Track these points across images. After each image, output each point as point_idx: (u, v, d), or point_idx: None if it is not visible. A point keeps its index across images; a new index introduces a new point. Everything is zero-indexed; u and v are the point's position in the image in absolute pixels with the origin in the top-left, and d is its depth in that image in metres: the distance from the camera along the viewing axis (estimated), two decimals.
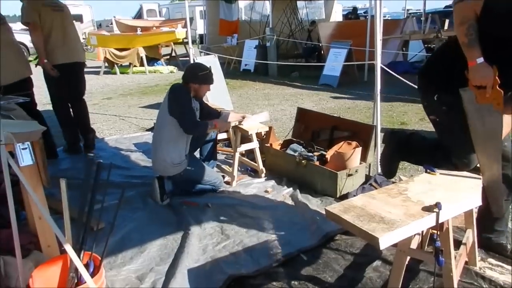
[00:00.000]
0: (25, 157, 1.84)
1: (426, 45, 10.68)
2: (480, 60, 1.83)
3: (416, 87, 2.38)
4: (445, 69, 2.07)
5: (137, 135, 5.14)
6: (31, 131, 1.94)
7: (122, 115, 6.53)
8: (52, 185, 2.11)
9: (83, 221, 1.85)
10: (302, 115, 4.09)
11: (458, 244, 2.09)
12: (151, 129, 5.21)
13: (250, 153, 3.85)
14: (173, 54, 13.80)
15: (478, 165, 2.12)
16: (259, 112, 6.29)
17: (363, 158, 3.37)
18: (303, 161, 3.38)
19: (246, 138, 3.56)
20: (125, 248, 2.50)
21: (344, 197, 3.09)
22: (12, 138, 1.76)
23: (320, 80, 8.80)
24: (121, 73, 11.77)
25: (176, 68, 12.30)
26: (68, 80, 4.12)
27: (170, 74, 11.68)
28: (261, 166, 3.63)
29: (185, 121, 3.01)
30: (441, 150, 2.30)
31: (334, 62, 8.57)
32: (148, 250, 2.49)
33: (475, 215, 2.14)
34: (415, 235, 1.95)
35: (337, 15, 16.04)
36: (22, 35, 11.55)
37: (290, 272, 2.26)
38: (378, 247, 1.47)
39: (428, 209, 1.65)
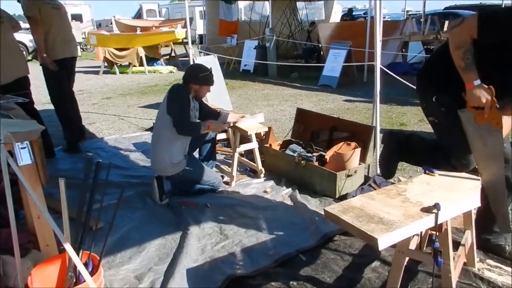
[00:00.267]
0: (24, 157, 1.84)
1: (425, 47, 10.70)
2: (477, 82, 1.87)
3: (415, 88, 2.38)
4: (444, 71, 2.07)
5: (136, 135, 5.13)
6: (30, 130, 1.94)
7: (122, 114, 6.53)
8: (51, 184, 2.11)
9: (82, 220, 1.85)
10: (302, 115, 4.09)
11: (456, 245, 2.09)
12: (150, 129, 5.21)
13: (249, 154, 3.84)
14: (173, 54, 13.80)
15: (476, 167, 2.13)
16: (258, 112, 6.30)
17: (362, 159, 3.38)
18: (302, 162, 3.38)
19: (245, 139, 3.56)
20: (123, 247, 2.50)
21: (343, 197, 3.09)
22: (11, 138, 1.75)
23: (319, 81, 8.81)
24: (120, 73, 11.76)
25: (175, 68, 12.30)
26: (68, 74, 4.32)
27: (169, 74, 11.67)
28: (260, 167, 3.63)
29: (179, 121, 3.01)
30: (440, 151, 2.30)
31: (334, 63, 8.58)
32: (147, 249, 2.49)
33: (474, 216, 2.14)
34: (414, 236, 1.95)
35: (336, 16, 16.06)
36: (21, 34, 11.55)
37: (288, 272, 2.25)
38: (376, 248, 1.48)
39: (427, 210, 1.65)
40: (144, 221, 2.88)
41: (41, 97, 6.14)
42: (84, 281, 1.69)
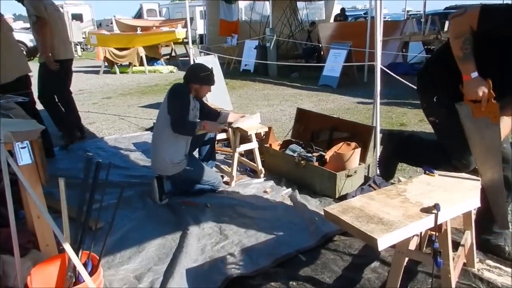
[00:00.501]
0: (24, 156, 1.84)
1: (426, 47, 10.70)
2: (475, 74, 1.87)
3: (415, 88, 2.38)
4: (444, 71, 2.08)
5: (136, 135, 5.13)
6: (30, 130, 1.94)
7: (122, 114, 6.53)
8: (51, 184, 2.11)
9: (81, 220, 1.85)
10: (302, 115, 4.09)
11: (456, 245, 2.09)
12: (150, 129, 5.21)
13: (249, 153, 3.84)
14: (173, 54, 13.80)
15: (476, 167, 2.13)
16: (258, 112, 6.30)
17: (362, 159, 3.38)
18: (302, 162, 3.38)
19: (245, 138, 3.56)
20: (123, 247, 2.50)
21: (343, 198, 3.09)
22: (11, 137, 1.76)
23: (319, 81, 8.81)
24: (120, 72, 11.77)
25: (176, 68, 12.30)
26: (65, 74, 4.43)
27: (169, 74, 11.68)
28: (260, 167, 3.63)
29: (175, 119, 3.00)
30: (440, 152, 2.31)
31: (334, 63, 8.58)
32: (147, 249, 2.49)
33: (473, 217, 2.14)
34: (413, 236, 1.95)
35: (341, 17, 16.02)
36: (21, 34, 11.55)
37: (288, 272, 2.25)
38: (376, 248, 1.48)
39: (426, 210, 1.65)
40: (144, 221, 2.88)
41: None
42: (84, 281, 1.70)
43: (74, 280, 1.81)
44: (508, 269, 2.21)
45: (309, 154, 3.51)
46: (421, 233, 2.06)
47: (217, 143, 4.17)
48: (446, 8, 15.80)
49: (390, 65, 8.48)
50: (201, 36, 17.19)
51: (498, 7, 1.97)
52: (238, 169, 3.69)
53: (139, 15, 23.67)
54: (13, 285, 1.87)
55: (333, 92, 7.96)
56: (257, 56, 10.44)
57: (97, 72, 11.79)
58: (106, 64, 11.88)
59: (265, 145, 3.85)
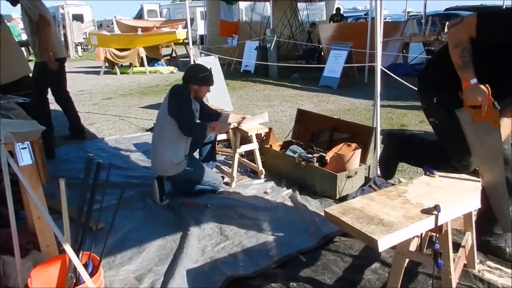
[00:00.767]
0: (25, 157, 1.84)
1: (426, 48, 10.70)
2: (474, 80, 1.88)
3: (416, 89, 2.38)
4: (445, 72, 2.08)
5: (137, 135, 5.14)
6: (30, 130, 1.94)
7: (122, 115, 6.53)
8: (51, 184, 2.11)
9: (82, 221, 1.85)
10: (302, 116, 4.09)
11: (457, 246, 2.09)
12: (151, 130, 5.21)
13: (249, 154, 3.85)
14: (174, 54, 13.82)
15: (477, 169, 2.13)
16: (259, 113, 6.31)
17: (363, 160, 3.37)
18: (302, 163, 3.38)
19: (245, 139, 3.56)
20: (124, 248, 2.50)
21: (344, 198, 3.09)
22: (11, 138, 1.76)
23: (320, 82, 8.81)
24: (121, 73, 11.77)
25: (176, 68, 12.30)
26: (60, 73, 4.50)
27: (170, 75, 11.68)
28: (260, 167, 3.63)
29: (184, 123, 3.01)
30: (440, 152, 2.30)
31: (334, 64, 8.57)
32: (147, 250, 2.49)
33: (474, 218, 2.14)
34: (414, 237, 1.95)
35: (337, 17, 16.03)
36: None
37: (288, 273, 2.25)
38: (377, 249, 1.48)
39: (427, 211, 1.65)
40: (145, 221, 2.88)
41: None
42: (84, 282, 1.70)
43: (74, 281, 1.81)
44: (509, 270, 2.20)
45: (310, 155, 3.51)
46: (421, 234, 2.05)
47: (217, 144, 4.17)
48: (447, 9, 15.81)
49: (391, 66, 8.48)
50: (201, 36, 17.20)
51: (495, 13, 1.98)
52: (239, 170, 3.69)
53: (139, 16, 23.70)
54: (13, 285, 1.87)
55: (333, 93, 7.96)
56: (257, 57, 10.44)
57: (97, 73, 11.80)
58: (106, 64, 11.89)
59: (266, 146, 3.85)
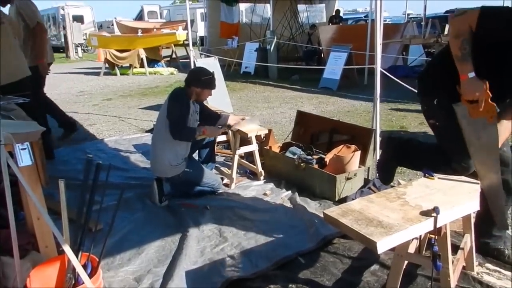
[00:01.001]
0: (24, 158, 1.84)
1: (426, 50, 10.71)
2: (472, 74, 1.87)
3: (416, 91, 2.39)
4: (445, 74, 2.08)
5: (136, 137, 5.14)
6: (30, 131, 1.94)
7: (122, 116, 6.53)
8: (51, 185, 2.11)
9: (81, 222, 1.85)
10: (302, 118, 4.09)
11: (455, 248, 2.09)
12: (150, 131, 5.21)
13: (249, 156, 3.85)
14: (174, 56, 13.84)
15: (475, 169, 2.13)
16: (259, 114, 6.31)
17: (362, 161, 3.38)
18: (302, 164, 3.39)
19: (245, 141, 3.56)
20: (123, 249, 2.50)
21: (343, 200, 3.09)
22: (11, 139, 1.76)
23: (320, 83, 8.82)
24: (121, 74, 11.78)
25: (176, 69, 12.32)
26: (44, 78, 4.48)
27: (170, 76, 11.69)
28: (260, 169, 3.63)
29: (173, 125, 3.01)
30: (439, 155, 2.31)
31: (334, 66, 8.59)
32: (146, 251, 2.49)
33: (473, 220, 2.14)
34: (413, 239, 1.95)
35: (336, 19, 16.05)
36: None
37: (288, 275, 2.25)
38: (376, 251, 1.48)
39: (426, 213, 1.65)
40: (144, 222, 2.88)
41: None
42: (83, 283, 1.70)
43: (73, 282, 1.80)
44: (508, 273, 2.20)
45: (309, 157, 3.51)
46: (420, 236, 2.05)
47: (217, 145, 4.17)
48: (447, 12, 15.81)
49: (391, 68, 8.49)
50: (201, 38, 17.22)
51: (498, 10, 1.98)
52: (238, 171, 3.69)
53: (140, 17, 23.73)
54: (12, 286, 1.87)
55: (333, 95, 7.97)
56: (257, 59, 10.45)
57: (97, 74, 11.81)
58: (106, 65, 11.90)
59: (265, 147, 3.85)
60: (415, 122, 5.62)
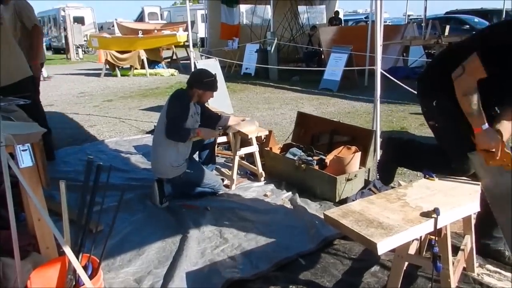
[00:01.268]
0: (25, 159, 1.84)
1: (426, 51, 10.71)
2: (485, 126, 1.90)
3: (416, 92, 2.39)
4: (445, 75, 2.08)
5: (137, 138, 5.14)
6: (31, 132, 1.94)
7: (123, 117, 6.54)
8: (51, 186, 2.11)
9: (82, 223, 1.85)
10: (302, 119, 4.09)
11: (456, 250, 2.09)
12: (151, 132, 5.21)
13: (249, 157, 3.85)
14: (174, 57, 13.84)
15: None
16: (259, 115, 6.32)
17: (363, 163, 3.38)
18: (302, 165, 3.39)
19: (246, 142, 3.56)
20: (123, 250, 2.50)
21: (343, 201, 3.09)
22: (12, 140, 1.76)
23: (320, 85, 8.82)
24: (122, 75, 11.80)
25: (177, 71, 12.33)
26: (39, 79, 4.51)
27: (171, 77, 11.70)
28: (260, 170, 3.64)
29: (169, 124, 3.01)
30: (440, 156, 2.31)
31: (335, 67, 8.59)
32: (147, 252, 2.49)
33: (473, 221, 2.14)
34: (413, 240, 1.95)
35: (336, 21, 16.05)
36: None
37: (288, 276, 2.25)
38: (376, 252, 1.48)
39: (426, 214, 1.66)
40: (144, 224, 2.88)
41: (42, 99, 6.14)
42: (84, 284, 1.70)
43: (74, 283, 1.80)
44: (508, 274, 2.20)
45: (310, 158, 3.51)
46: (420, 237, 2.05)
47: (217, 146, 4.18)
48: (447, 13, 15.83)
49: (391, 69, 8.49)
50: (202, 39, 17.25)
51: (491, 42, 1.97)
52: (239, 172, 3.69)
53: (140, 18, 23.78)
54: (13, 287, 1.87)
55: (333, 96, 7.97)
56: (258, 60, 10.46)
57: (98, 75, 11.83)
58: (107, 66, 11.92)
59: (266, 148, 3.85)
60: (415, 123, 5.62)
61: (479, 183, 2.05)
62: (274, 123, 5.86)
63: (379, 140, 3.44)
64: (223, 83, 5.73)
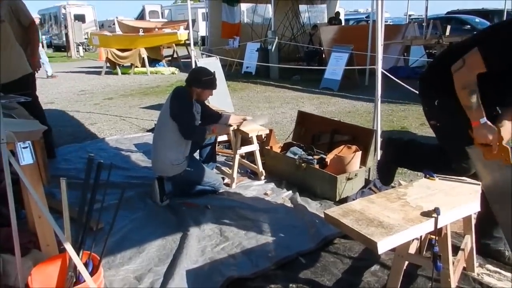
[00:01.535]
0: (26, 156, 1.85)
1: (427, 51, 10.71)
2: (483, 120, 1.90)
3: (417, 92, 2.39)
4: (446, 75, 2.08)
5: (137, 136, 5.14)
6: (32, 130, 1.95)
7: (123, 115, 6.54)
8: (52, 184, 2.12)
9: (82, 220, 1.85)
10: (303, 118, 4.09)
11: (456, 249, 2.09)
12: (151, 130, 5.21)
13: (250, 156, 3.85)
14: (175, 55, 13.84)
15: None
16: (259, 113, 6.32)
17: (363, 162, 3.38)
18: (303, 164, 3.39)
19: (246, 140, 3.56)
20: (124, 248, 2.51)
21: (344, 200, 3.09)
22: (13, 137, 1.76)
23: (321, 84, 8.82)
24: (122, 73, 11.79)
25: (177, 69, 12.32)
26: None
27: (171, 75, 11.70)
28: (261, 169, 3.64)
29: (184, 127, 3.02)
30: (440, 156, 2.31)
31: (335, 66, 8.59)
32: (147, 250, 2.49)
33: (473, 221, 2.14)
34: (413, 240, 1.95)
35: (336, 21, 16.04)
36: None
37: (288, 275, 2.26)
38: (376, 252, 1.48)
39: (426, 214, 1.66)
40: (145, 222, 2.89)
41: (42, 97, 6.15)
42: (84, 281, 1.70)
43: (74, 280, 1.81)
44: (508, 274, 2.21)
45: (310, 157, 3.51)
46: (421, 236, 2.05)
47: (218, 145, 4.18)
48: (448, 13, 15.80)
49: (392, 68, 8.49)
50: (203, 38, 17.24)
51: (492, 38, 1.97)
52: (239, 171, 3.69)
53: (141, 17, 23.77)
54: (13, 284, 1.88)
55: (334, 95, 7.97)
56: (258, 59, 10.45)
57: (99, 73, 11.82)
58: (108, 65, 11.92)
59: (266, 147, 3.85)
60: (416, 123, 5.62)
61: (480, 183, 2.05)
62: (274, 122, 5.86)
63: (379, 140, 3.44)
64: (223, 81, 5.74)
